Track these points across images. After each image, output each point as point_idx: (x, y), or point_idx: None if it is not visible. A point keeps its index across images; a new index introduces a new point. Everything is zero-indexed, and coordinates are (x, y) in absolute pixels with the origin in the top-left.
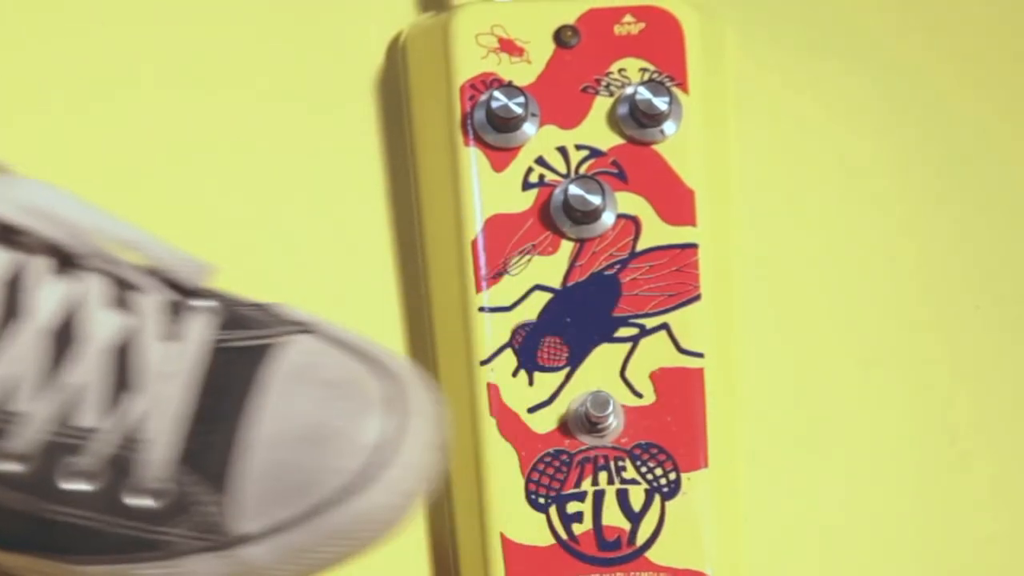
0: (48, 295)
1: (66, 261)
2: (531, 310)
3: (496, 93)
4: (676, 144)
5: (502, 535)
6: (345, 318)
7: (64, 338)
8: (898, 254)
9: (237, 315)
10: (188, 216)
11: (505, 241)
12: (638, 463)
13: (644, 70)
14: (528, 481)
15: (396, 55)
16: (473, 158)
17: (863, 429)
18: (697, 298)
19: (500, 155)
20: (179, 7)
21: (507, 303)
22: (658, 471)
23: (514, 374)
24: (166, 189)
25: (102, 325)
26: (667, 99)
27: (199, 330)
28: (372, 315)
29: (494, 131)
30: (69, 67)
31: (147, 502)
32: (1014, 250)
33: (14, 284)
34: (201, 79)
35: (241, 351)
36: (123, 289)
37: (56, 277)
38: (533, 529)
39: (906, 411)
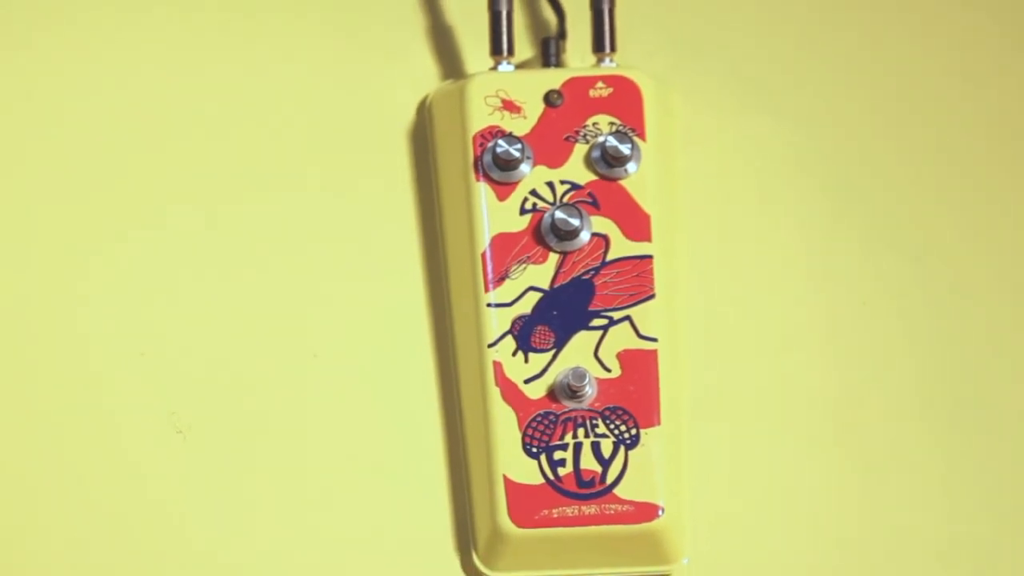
0: None
1: None
2: (526, 305)
3: (500, 141)
4: (636, 180)
5: (504, 476)
6: (382, 314)
7: None
8: (806, 262)
9: None
10: (260, 241)
11: (507, 253)
12: (607, 422)
13: (612, 123)
14: (524, 435)
15: (424, 112)
16: (482, 191)
17: (780, 396)
18: (652, 296)
19: (503, 188)
20: (248, 73)
21: (508, 300)
22: (623, 428)
23: (513, 354)
24: (243, 226)
25: None
26: (630, 145)
27: None
28: (404, 311)
29: (498, 170)
30: (132, 121)
31: None
32: (890, 261)
33: None
34: (270, 133)
35: None
36: None
37: None
38: (528, 472)
39: (812, 384)
